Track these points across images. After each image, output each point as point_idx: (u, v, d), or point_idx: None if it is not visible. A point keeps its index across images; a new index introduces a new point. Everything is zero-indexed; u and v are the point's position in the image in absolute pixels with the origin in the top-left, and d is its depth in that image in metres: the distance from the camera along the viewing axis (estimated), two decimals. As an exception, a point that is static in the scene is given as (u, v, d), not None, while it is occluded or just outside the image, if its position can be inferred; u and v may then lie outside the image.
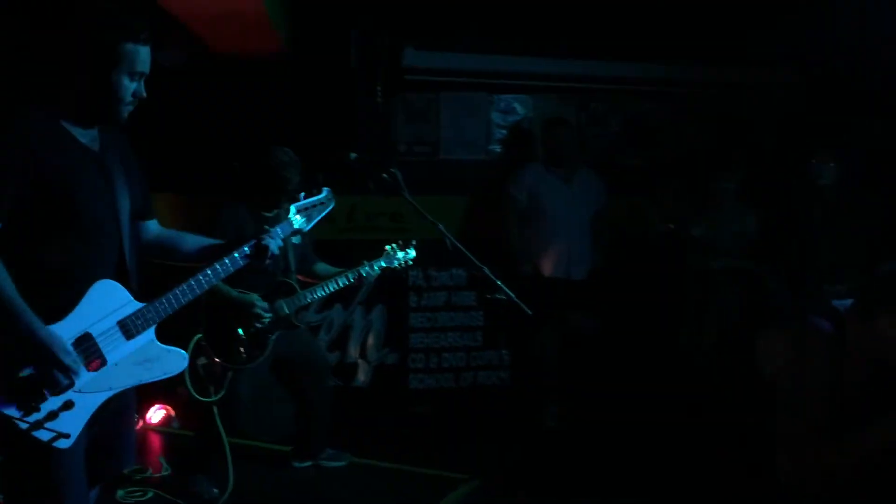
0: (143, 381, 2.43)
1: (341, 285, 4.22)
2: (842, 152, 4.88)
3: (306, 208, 3.00)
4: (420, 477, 4.50)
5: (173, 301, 2.48)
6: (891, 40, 4.69)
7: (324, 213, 3.09)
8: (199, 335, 3.92)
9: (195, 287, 2.53)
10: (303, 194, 3.03)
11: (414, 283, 5.85)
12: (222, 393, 3.96)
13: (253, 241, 2.65)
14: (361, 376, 5.78)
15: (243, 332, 4.02)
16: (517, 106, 6.06)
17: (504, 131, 6.03)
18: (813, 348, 2.31)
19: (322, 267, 4.39)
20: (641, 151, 6.19)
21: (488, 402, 5.79)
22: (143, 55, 2.34)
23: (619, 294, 5.66)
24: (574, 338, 5.51)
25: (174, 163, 5.13)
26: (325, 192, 3.07)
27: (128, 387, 2.41)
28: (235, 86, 5.33)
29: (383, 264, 4.24)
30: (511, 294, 3.84)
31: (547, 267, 5.44)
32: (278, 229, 2.79)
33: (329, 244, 5.13)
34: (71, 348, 2.25)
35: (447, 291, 5.92)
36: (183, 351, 2.51)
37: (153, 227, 2.65)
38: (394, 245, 4.28)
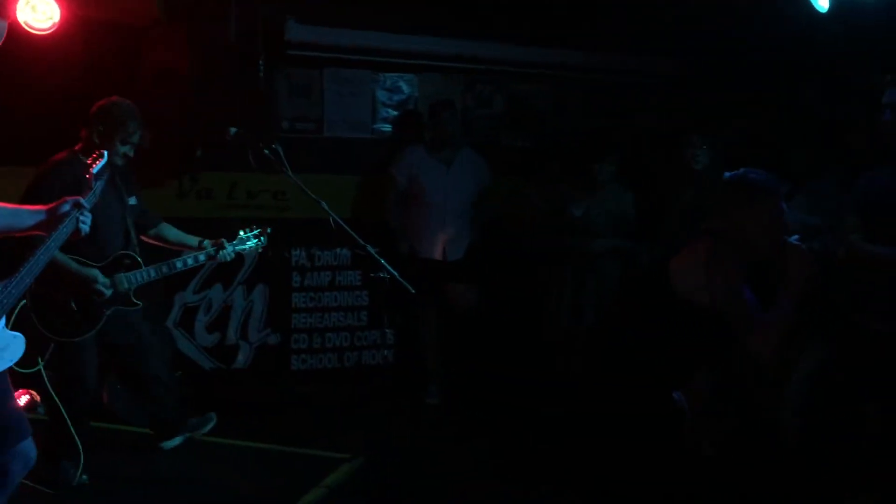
0: None
1: (190, 265, 4.12)
2: (713, 138, 5.10)
3: (102, 174, 2.94)
4: (302, 458, 4.46)
5: (21, 282, 2.38)
6: (762, 34, 4.92)
7: (105, 178, 3.03)
8: (24, 301, 3.70)
9: (39, 263, 2.45)
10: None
11: (297, 262, 5.76)
12: (40, 367, 3.78)
13: (74, 219, 2.59)
14: (241, 358, 5.65)
15: (76, 304, 3.84)
16: (403, 85, 6.02)
17: (390, 110, 5.98)
18: (721, 255, 2.68)
19: (169, 231, 4.25)
20: (525, 133, 6.28)
21: (372, 382, 5.78)
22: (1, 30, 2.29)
23: (500, 274, 5.75)
24: (454, 314, 5.57)
25: (41, 135, 4.84)
26: (105, 155, 2.99)
27: None
28: (109, 55, 5.07)
29: (237, 248, 4.20)
30: (394, 273, 3.85)
31: (423, 248, 5.48)
32: (86, 203, 2.71)
33: (208, 221, 4.99)
34: None
35: (331, 271, 5.86)
36: (22, 335, 2.41)
37: None
38: (245, 230, 4.24)
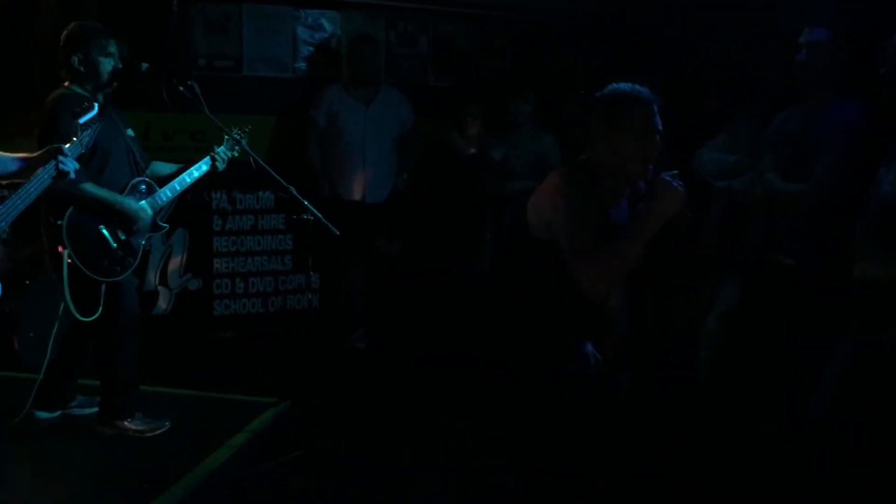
0: None
1: (196, 177, 3.99)
2: (636, 81, 5.12)
3: (89, 125, 2.99)
4: (227, 403, 4.42)
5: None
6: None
7: (96, 128, 3.10)
8: (68, 250, 3.61)
9: (16, 208, 2.64)
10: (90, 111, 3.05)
11: (218, 205, 5.62)
12: (100, 309, 3.74)
13: (53, 164, 2.76)
14: (162, 304, 5.52)
15: (114, 241, 3.77)
16: (325, 22, 5.86)
17: (311, 48, 5.82)
18: (576, 182, 2.49)
19: (162, 167, 4.12)
20: (451, 74, 6.21)
21: (297, 327, 5.72)
22: None
23: (422, 218, 5.73)
24: (379, 261, 5.54)
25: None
26: (95, 107, 3.00)
27: None
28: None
29: (229, 152, 4.07)
30: (318, 214, 3.79)
31: (344, 190, 5.40)
32: (69, 150, 2.83)
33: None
34: None
35: (254, 215, 5.74)
36: None
37: None
38: (227, 136, 4.05)
